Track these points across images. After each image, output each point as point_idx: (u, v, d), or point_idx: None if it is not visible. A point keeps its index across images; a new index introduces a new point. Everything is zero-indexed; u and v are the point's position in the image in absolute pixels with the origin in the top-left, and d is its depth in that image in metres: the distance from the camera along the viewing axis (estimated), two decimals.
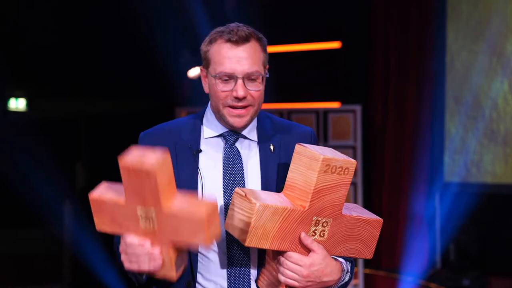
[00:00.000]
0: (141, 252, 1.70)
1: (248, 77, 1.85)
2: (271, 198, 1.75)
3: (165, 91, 6.12)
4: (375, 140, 6.22)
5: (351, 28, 6.24)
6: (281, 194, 1.79)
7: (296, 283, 1.74)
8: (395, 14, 6.09)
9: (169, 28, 5.45)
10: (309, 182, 1.71)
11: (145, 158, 1.62)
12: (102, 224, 1.76)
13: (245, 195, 1.71)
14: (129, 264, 1.73)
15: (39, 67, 5.80)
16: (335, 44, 6.19)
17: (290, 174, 1.77)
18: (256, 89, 1.86)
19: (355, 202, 5.71)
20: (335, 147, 1.88)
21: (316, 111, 5.95)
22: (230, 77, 1.84)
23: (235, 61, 1.84)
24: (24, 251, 6.14)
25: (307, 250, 1.75)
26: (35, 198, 5.15)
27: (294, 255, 1.74)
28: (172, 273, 1.72)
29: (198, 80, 6.62)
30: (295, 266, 1.73)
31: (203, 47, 1.91)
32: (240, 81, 1.84)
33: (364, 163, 5.87)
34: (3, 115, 6.23)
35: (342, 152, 1.83)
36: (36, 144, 5.27)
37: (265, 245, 1.72)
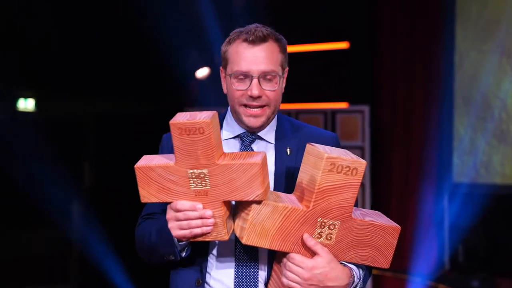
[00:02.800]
0: (193, 215, 1.69)
1: (264, 77, 1.84)
2: (277, 197, 1.73)
3: (173, 92, 6.12)
4: (383, 141, 6.20)
5: (359, 28, 6.21)
6: (291, 195, 1.77)
7: (298, 286, 1.70)
8: (403, 14, 6.07)
9: (178, 28, 5.45)
10: (313, 181, 1.67)
11: (196, 116, 1.65)
12: (149, 195, 1.73)
13: None
14: (179, 231, 1.71)
15: (48, 67, 5.82)
16: (343, 45, 6.18)
17: (299, 175, 1.76)
18: (272, 89, 1.85)
19: (363, 203, 5.70)
20: (342, 148, 1.86)
21: (324, 112, 5.94)
22: (245, 76, 1.85)
23: (251, 60, 1.84)
24: (32, 251, 6.15)
25: (312, 253, 1.71)
26: (43, 198, 5.16)
27: (296, 257, 1.71)
28: (224, 234, 1.71)
29: (206, 80, 6.66)
30: (296, 268, 1.70)
31: (223, 47, 1.92)
32: (255, 80, 1.83)
33: (372, 164, 5.85)
34: (12, 115, 6.25)
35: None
36: (45, 144, 5.28)
37: (265, 244, 1.69)
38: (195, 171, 1.67)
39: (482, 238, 5.60)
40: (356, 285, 1.78)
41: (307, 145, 1.75)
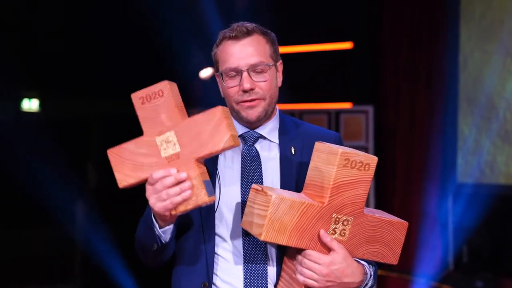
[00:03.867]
0: (169, 181, 1.66)
1: (253, 69, 1.84)
2: (290, 193, 1.73)
3: None
4: (387, 141, 6.19)
5: (363, 28, 6.21)
6: (300, 194, 1.77)
7: (315, 283, 1.69)
8: (407, 14, 6.06)
9: (181, 29, 5.46)
10: (327, 177, 1.67)
11: (155, 85, 1.73)
12: (125, 176, 1.73)
13: (262, 189, 1.69)
14: (160, 203, 1.67)
15: (51, 67, 5.83)
16: (347, 45, 6.17)
17: (309, 173, 1.76)
18: (263, 79, 1.85)
19: (367, 203, 5.68)
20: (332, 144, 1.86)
21: (328, 112, 5.93)
22: (236, 72, 1.84)
23: (238, 55, 1.84)
24: (35, 251, 6.16)
25: (327, 249, 1.70)
26: (46, 198, 5.17)
27: (313, 253, 1.69)
28: (204, 197, 1.68)
29: (209, 81, 6.66)
30: (314, 264, 1.68)
31: (212, 52, 1.93)
32: (245, 74, 1.84)
33: (376, 164, 5.84)
34: (16, 115, 6.26)
35: None
36: (48, 144, 5.29)
37: (283, 241, 1.67)
38: (162, 136, 1.70)
39: (487, 239, 5.58)
40: (368, 282, 1.78)
41: (316, 143, 1.75)
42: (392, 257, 1.80)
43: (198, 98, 6.23)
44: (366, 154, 1.71)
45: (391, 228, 1.78)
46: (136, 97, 1.74)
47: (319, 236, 1.69)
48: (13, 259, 5.98)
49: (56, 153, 5.31)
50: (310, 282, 1.69)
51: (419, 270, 5.70)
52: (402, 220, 1.81)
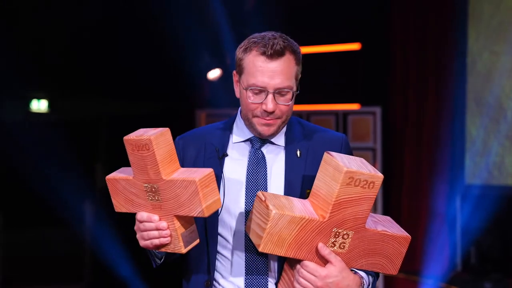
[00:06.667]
0: (150, 227, 1.78)
1: (279, 92, 1.85)
2: (292, 205, 1.73)
3: (184, 93, 6.14)
4: (394, 142, 6.18)
5: (371, 29, 6.20)
6: (306, 201, 1.78)
7: None
8: (415, 15, 6.05)
9: (190, 30, 5.47)
10: (331, 193, 1.68)
11: (146, 133, 1.74)
12: (119, 205, 1.86)
13: (264, 200, 1.70)
14: (143, 241, 1.81)
15: (60, 68, 5.85)
16: (354, 46, 6.17)
17: (316, 182, 1.76)
18: (286, 103, 1.87)
19: (375, 205, 5.68)
20: (354, 149, 1.86)
21: (335, 113, 5.93)
22: (261, 91, 1.85)
23: (267, 75, 1.84)
24: (45, 251, 6.19)
25: (325, 261, 1.73)
26: (56, 198, 5.20)
27: (310, 265, 1.72)
28: (180, 247, 1.77)
29: (218, 82, 6.66)
30: (310, 275, 1.72)
31: (238, 53, 1.91)
32: (270, 96, 1.84)
33: (384, 165, 5.84)
34: (25, 116, 6.29)
35: (361, 154, 1.81)
36: (58, 145, 5.32)
37: (280, 252, 1.71)
38: (148, 185, 1.76)
39: (495, 240, 5.57)
40: None
41: (325, 154, 1.76)
42: (392, 269, 1.81)
43: (206, 99, 6.25)
44: (372, 172, 1.70)
45: (393, 242, 1.78)
46: (128, 142, 1.77)
47: (317, 248, 1.72)
48: (22, 259, 6.02)
49: (65, 154, 5.34)
50: None
51: (427, 271, 5.69)
52: (405, 234, 1.80)
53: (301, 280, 1.73)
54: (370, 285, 1.82)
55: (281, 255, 1.72)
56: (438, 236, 5.82)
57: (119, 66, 5.68)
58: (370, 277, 1.83)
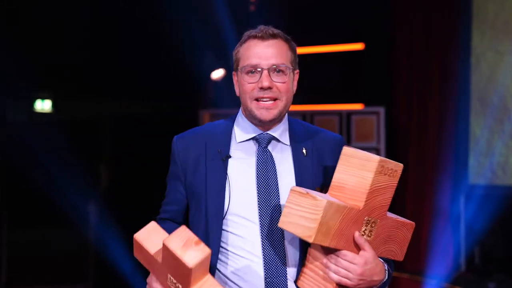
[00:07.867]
0: None
1: (274, 70, 1.88)
2: (327, 197, 1.77)
3: (188, 93, 6.14)
4: (398, 142, 6.18)
5: (375, 29, 6.20)
6: (326, 195, 1.80)
7: (349, 282, 1.76)
8: (419, 15, 6.04)
9: (193, 30, 5.48)
10: (364, 183, 1.75)
11: (188, 250, 1.63)
12: (139, 257, 1.83)
13: (307, 193, 1.73)
14: None
15: (65, 68, 5.87)
16: (358, 46, 6.17)
17: (337, 175, 1.80)
18: (282, 81, 1.89)
19: None
20: (358, 149, 1.89)
21: (339, 113, 5.93)
22: (256, 70, 1.88)
23: (260, 53, 1.88)
24: (49, 251, 6.20)
25: (357, 249, 1.78)
26: (60, 198, 5.21)
27: (349, 254, 1.76)
28: None
29: (221, 82, 6.66)
30: (350, 264, 1.76)
31: (234, 49, 1.96)
32: (265, 72, 1.87)
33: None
34: (29, 116, 6.31)
35: None
36: (61, 145, 5.33)
37: (326, 242, 1.74)
38: (173, 280, 1.71)
39: (499, 240, 5.56)
40: (387, 278, 1.86)
41: (345, 147, 1.80)
42: (401, 254, 1.89)
43: (210, 99, 6.25)
44: (394, 161, 1.81)
45: (404, 228, 1.87)
46: (166, 246, 1.67)
47: (354, 238, 1.77)
48: (27, 259, 6.03)
49: (69, 154, 5.35)
50: (345, 281, 1.77)
51: (431, 271, 5.69)
52: (410, 221, 1.90)
53: (341, 270, 1.76)
54: (388, 272, 1.87)
55: (326, 245, 1.74)
56: (442, 236, 5.81)
57: (124, 67, 5.69)
58: (386, 264, 1.87)
